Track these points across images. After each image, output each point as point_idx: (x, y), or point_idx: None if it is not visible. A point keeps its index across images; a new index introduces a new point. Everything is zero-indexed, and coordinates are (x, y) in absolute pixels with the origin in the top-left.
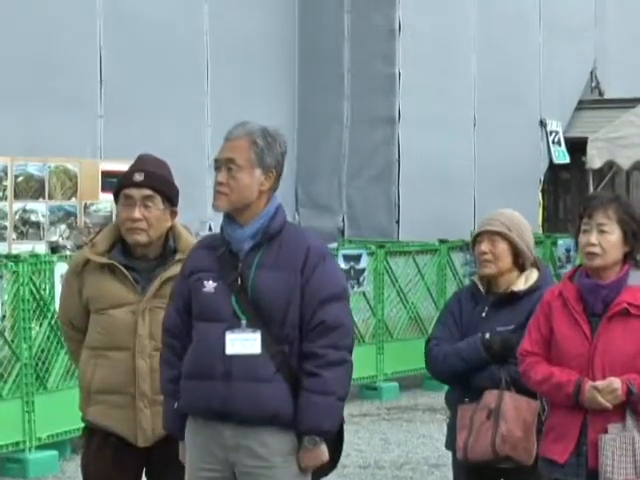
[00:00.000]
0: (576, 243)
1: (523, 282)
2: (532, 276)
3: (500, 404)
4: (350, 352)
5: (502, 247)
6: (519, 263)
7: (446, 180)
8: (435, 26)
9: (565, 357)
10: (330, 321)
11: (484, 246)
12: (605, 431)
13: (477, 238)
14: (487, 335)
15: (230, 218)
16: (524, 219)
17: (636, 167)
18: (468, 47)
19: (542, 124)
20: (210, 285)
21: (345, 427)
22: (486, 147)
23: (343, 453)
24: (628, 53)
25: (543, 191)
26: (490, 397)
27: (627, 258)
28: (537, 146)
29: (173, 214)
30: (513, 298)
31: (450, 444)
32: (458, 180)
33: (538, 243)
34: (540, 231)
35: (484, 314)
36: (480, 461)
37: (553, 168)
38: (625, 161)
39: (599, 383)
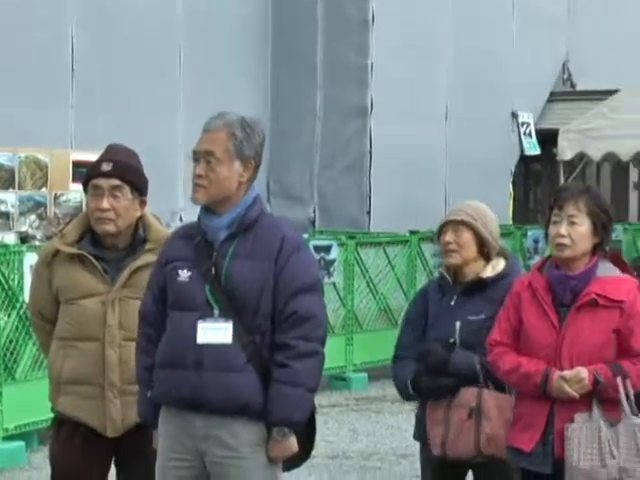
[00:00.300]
0: (546, 234)
1: (490, 270)
2: (499, 264)
3: (480, 403)
4: (322, 344)
5: (467, 236)
6: (484, 252)
7: (418, 171)
8: (408, 17)
9: (534, 347)
10: (302, 312)
11: (448, 236)
12: (572, 420)
13: (442, 228)
14: (410, 379)
15: (207, 208)
16: (490, 210)
17: (607, 159)
18: (441, 38)
19: (514, 116)
20: (185, 274)
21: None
22: (458, 138)
23: None
24: (600, 45)
25: (514, 182)
26: (469, 395)
27: (596, 249)
28: (509, 137)
29: (142, 204)
30: (482, 286)
31: (418, 435)
32: (430, 171)
33: (508, 234)
34: (510, 222)
35: (453, 302)
36: (460, 458)
37: (524, 159)
38: (596, 153)
39: (566, 373)
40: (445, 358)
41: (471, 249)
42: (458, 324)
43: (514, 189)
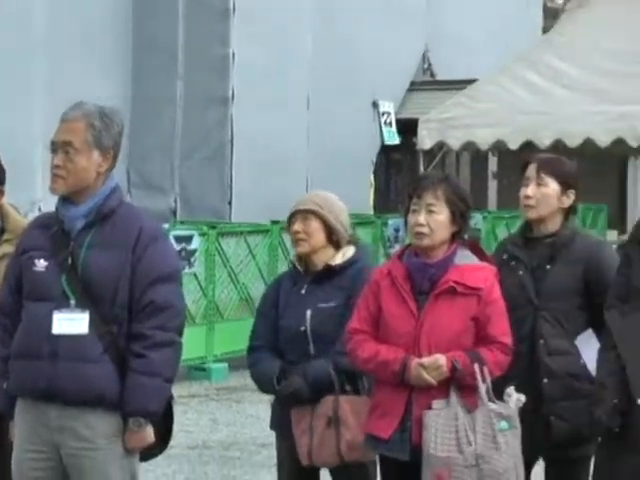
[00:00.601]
0: (406, 223)
1: (340, 257)
2: (349, 251)
3: (338, 410)
4: (179, 333)
5: (315, 225)
6: (333, 240)
7: (279, 161)
8: (270, 6)
9: (393, 335)
10: (160, 302)
11: (297, 225)
12: (429, 407)
13: (291, 218)
14: (276, 375)
15: (66, 198)
16: (339, 200)
17: (466, 148)
18: (302, 27)
19: (375, 105)
20: (41, 264)
21: (174, 408)
22: (320, 128)
23: None
24: (459, 35)
25: (375, 172)
26: (327, 404)
27: (455, 237)
28: (370, 127)
29: (0, 194)
30: (331, 273)
31: (274, 424)
32: (291, 161)
33: (369, 223)
34: (371, 212)
35: (303, 291)
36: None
37: (385, 149)
38: (455, 142)
39: (425, 360)
40: (304, 389)
41: (319, 238)
42: (309, 312)
43: (375, 178)
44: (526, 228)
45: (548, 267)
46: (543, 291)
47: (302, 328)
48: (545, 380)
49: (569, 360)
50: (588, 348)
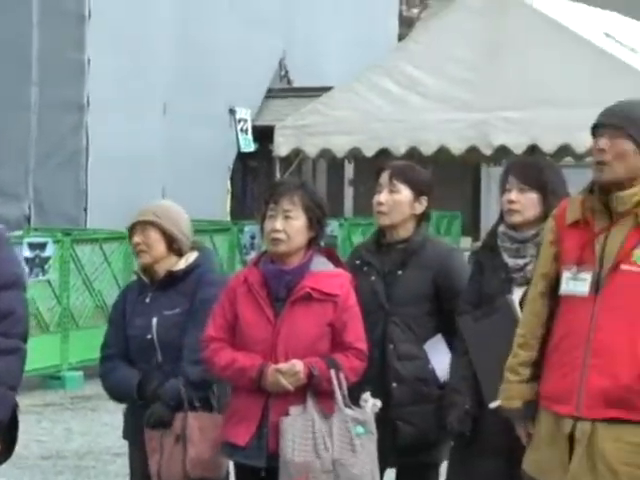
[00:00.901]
0: (262, 229)
1: (183, 263)
2: (191, 257)
3: (185, 427)
4: (23, 340)
5: (154, 236)
6: (175, 249)
7: (136, 167)
8: (126, 11)
9: (250, 342)
10: (2, 309)
11: (137, 237)
12: (286, 413)
13: (131, 230)
14: (136, 383)
15: None
16: (179, 208)
17: (322, 155)
18: (160, 33)
19: (231, 112)
20: None
21: (27, 417)
22: (176, 134)
23: (23, 444)
24: (315, 42)
25: (232, 178)
26: (177, 421)
27: (311, 244)
28: (226, 134)
29: None
30: (175, 279)
31: (127, 434)
32: (148, 167)
33: (225, 230)
34: (228, 218)
35: (148, 299)
36: None
37: (242, 156)
38: (312, 149)
39: (282, 366)
40: (168, 414)
41: (160, 248)
42: (154, 320)
43: (232, 185)
44: (379, 234)
45: (399, 273)
46: (394, 296)
47: (149, 336)
48: (394, 385)
49: (418, 365)
50: (436, 353)
